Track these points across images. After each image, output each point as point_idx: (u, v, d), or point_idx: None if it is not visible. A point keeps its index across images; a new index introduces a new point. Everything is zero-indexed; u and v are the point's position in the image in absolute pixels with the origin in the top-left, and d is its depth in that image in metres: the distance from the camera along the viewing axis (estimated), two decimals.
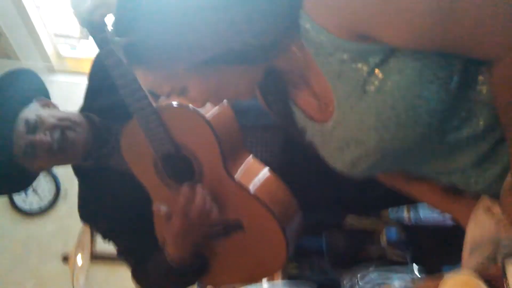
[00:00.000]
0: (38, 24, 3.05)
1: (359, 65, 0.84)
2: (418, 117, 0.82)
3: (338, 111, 0.93)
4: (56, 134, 1.44)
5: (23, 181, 1.59)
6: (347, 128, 0.93)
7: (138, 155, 1.43)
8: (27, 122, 1.44)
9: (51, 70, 3.33)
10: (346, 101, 0.90)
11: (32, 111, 1.48)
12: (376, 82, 0.83)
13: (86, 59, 3.27)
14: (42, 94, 1.58)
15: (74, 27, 3.18)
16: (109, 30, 1.28)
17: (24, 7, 2.89)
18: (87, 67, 3.06)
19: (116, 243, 1.58)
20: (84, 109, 1.60)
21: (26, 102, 1.50)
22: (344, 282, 1.40)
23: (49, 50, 3.25)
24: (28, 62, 3.25)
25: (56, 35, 3.25)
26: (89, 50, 3.27)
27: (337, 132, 0.97)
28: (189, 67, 0.90)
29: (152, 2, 0.86)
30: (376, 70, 0.83)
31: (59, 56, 3.37)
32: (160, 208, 1.35)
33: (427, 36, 0.76)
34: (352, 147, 0.95)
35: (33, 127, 1.44)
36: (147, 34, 0.87)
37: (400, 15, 0.75)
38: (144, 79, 0.97)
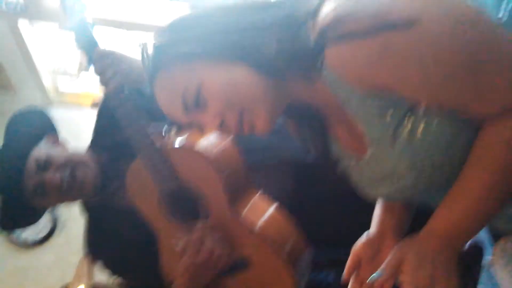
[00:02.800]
0: (37, 59, 3.07)
1: (388, 113, 0.88)
2: (452, 159, 0.88)
3: (371, 149, 0.97)
4: (66, 173, 1.48)
5: (31, 218, 1.63)
6: (382, 165, 0.97)
7: (143, 193, 1.45)
8: (37, 161, 1.48)
9: (49, 104, 3.34)
10: (378, 143, 0.94)
11: (42, 150, 1.51)
12: (406, 130, 0.87)
13: (84, 94, 3.30)
14: (50, 131, 1.62)
15: (73, 63, 3.21)
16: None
17: (24, 42, 2.92)
18: (84, 101, 3.11)
19: (124, 278, 1.60)
20: (92, 146, 1.64)
21: (36, 140, 1.54)
22: None
23: (47, 84, 3.27)
24: (26, 95, 3.28)
25: (54, 71, 3.27)
26: (87, 85, 3.29)
27: (371, 167, 0.99)
28: (207, 59, 0.93)
29: None
30: (406, 119, 0.87)
31: (57, 90, 3.38)
32: (177, 244, 1.37)
33: (442, 98, 0.83)
34: (387, 182, 0.98)
35: (43, 166, 1.47)
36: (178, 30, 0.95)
37: (420, 83, 0.81)
38: (162, 89, 0.98)
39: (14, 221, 1.60)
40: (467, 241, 0.94)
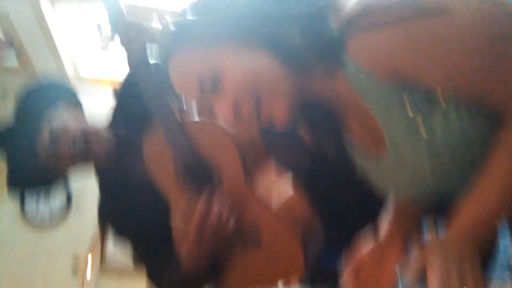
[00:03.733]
0: (59, 42, 3.09)
1: (409, 105, 0.86)
2: (472, 154, 0.87)
3: (391, 149, 0.94)
4: (79, 146, 1.47)
5: (44, 181, 1.62)
6: (404, 168, 0.95)
7: (159, 164, 1.45)
8: (51, 131, 1.47)
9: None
10: (398, 141, 0.91)
11: (58, 121, 1.50)
12: (427, 126, 0.86)
13: (105, 80, 3.30)
14: (71, 102, 1.61)
15: (94, 48, 3.24)
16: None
17: (46, 25, 2.93)
18: (104, 87, 3.09)
19: (135, 248, 1.59)
20: (111, 120, 1.64)
21: (54, 110, 1.53)
22: None
23: (69, 70, 3.29)
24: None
25: (76, 56, 3.30)
26: (108, 70, 3.31)
27: (393, 170, 0.98)
28: (230, 44, 0.90)
29: None
30: (428, 113, 0.85)
31: (78, 75, 3.40)
32: (186, 209, 1.38)
33: (467, 89, 0.81)
34: (412, 185, 0.97)
35: (57, 136, 1.47)
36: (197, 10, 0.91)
37: (448, 70, 0.80)
38: (179, 68, 0.95)
39: (26, 185, 1.62)
40: (488, 234, 0.90)
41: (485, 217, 0.87)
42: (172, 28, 0.94)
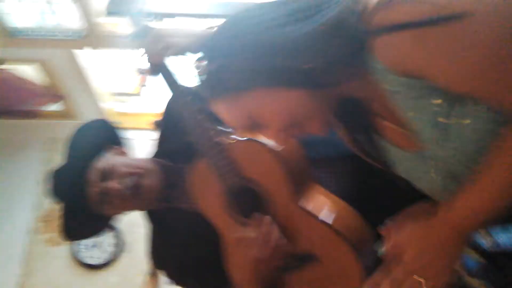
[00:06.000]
0: (95, 83, 3.13)
1: (436, 103, 0.87)
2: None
3: (422, 143, 0.95)
4: (128, 181, 1.51)
5: (96, 227, 1.68)
6: (438, 161, 0.95)
7: (206, 193, 1.46)
8: (99, 171, 1.52)
9: None
10: (429, 135, 0.92)
11: (105, 160, 1.55)
12: (454, 118, 0.86)
13: (140, 115, 3.36)
14: (116, 142, 1.67)
15: (129, 84, 3.28)
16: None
17: (81, 68, 2.98)
18: (141, 123, 3.16)
19: (186, 286, 1.60)
20: (155, 155, 1.67)
21: (100, 150, 1.59)
22: None
23: (106, 108, 3.33)
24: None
25: (112, 94, 3.35)
26: (143, 106, 3.36)
27: (426, 163, 0.98)
28: (263, 90, 0.94)
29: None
30: (454, 111, 0.85)
31: (117, 113, 3.43)
32: (240, 238, 1.37)
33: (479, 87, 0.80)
34: (447, 180, 0.97)
35: (106, 175, 1.51)
36: (229, 58, 0.93)
37: (461, 76, 0.80)
38: (223, 114, 1.01)
39: (78, 230, 1.64)
40: (476, 231, 0.93)
41: (481, 211, 0.87)
42: (208, 76, 0.98)
